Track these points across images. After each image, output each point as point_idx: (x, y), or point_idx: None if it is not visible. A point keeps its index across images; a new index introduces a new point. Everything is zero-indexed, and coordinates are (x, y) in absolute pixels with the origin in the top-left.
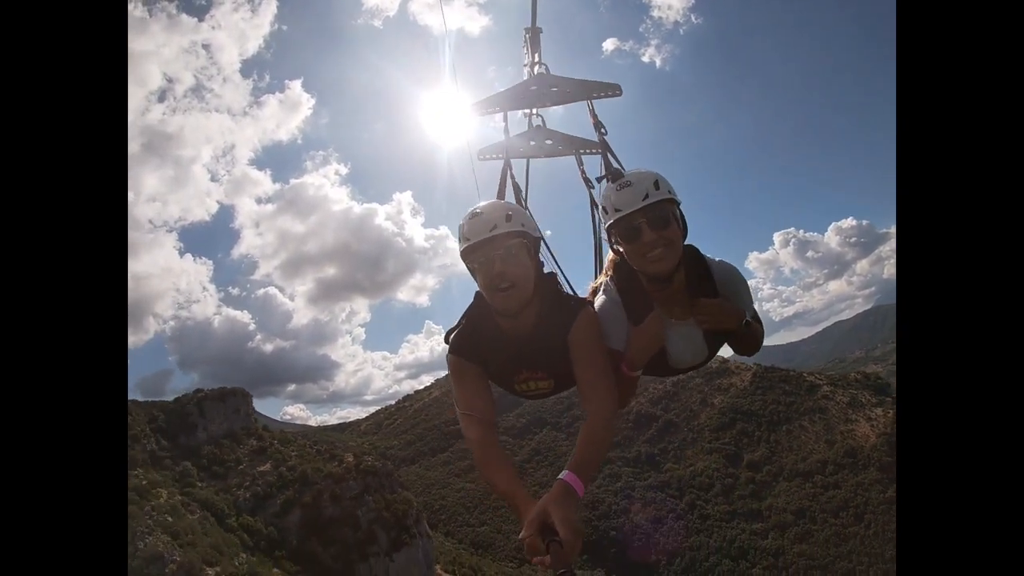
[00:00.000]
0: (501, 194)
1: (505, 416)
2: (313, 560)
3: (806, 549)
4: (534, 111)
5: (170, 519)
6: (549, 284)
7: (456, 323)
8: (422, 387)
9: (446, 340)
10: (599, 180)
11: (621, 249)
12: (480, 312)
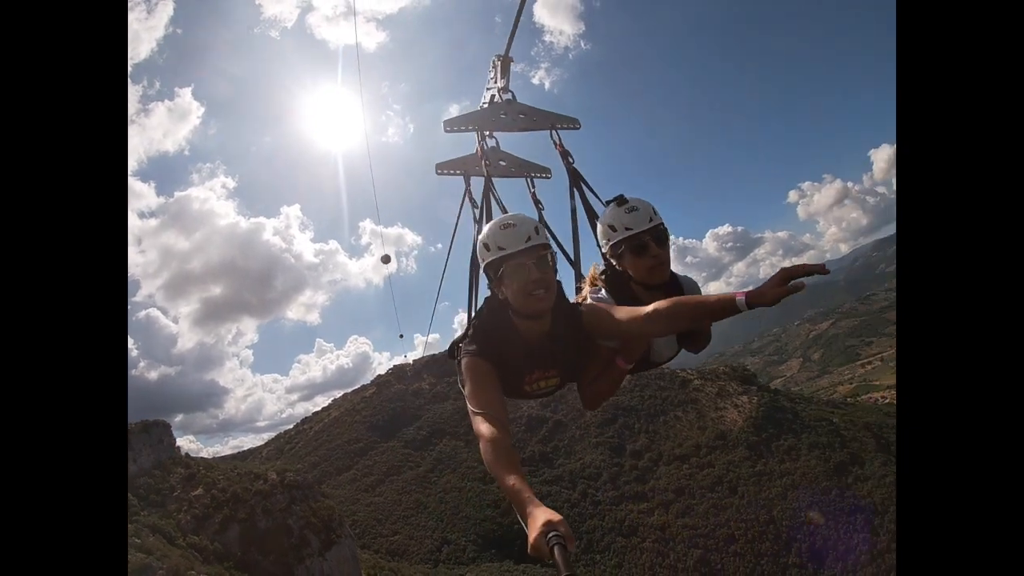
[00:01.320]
0: (488, 210)
1: (405, 429)
2: (257, 568)
3: (688, 521)
4: (488, 133)
5: (137, 540)
6: (559, 289)
7: (465, 331)
8: (319, 408)
9: (451, 354)
10: (607, 204)
11: (620, 262)
12: (495, 317)
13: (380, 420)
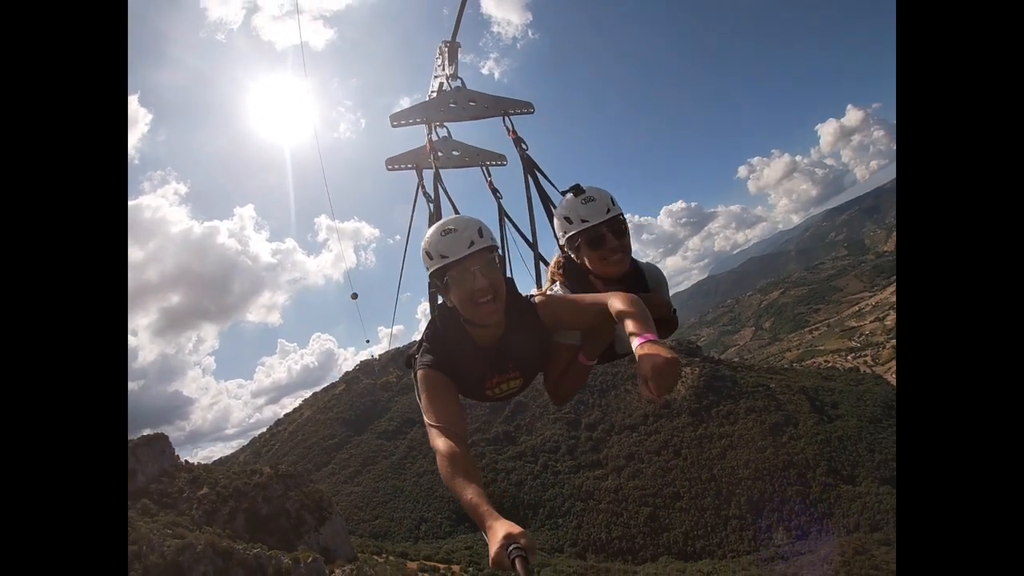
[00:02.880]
0: (438, 206)
1: (377, 421)
2: (248, 563)
3: (638, 483)
4: (438, 124)
5: (168, 531)
6: (511, 288)
7: (419, 343)
8: (288, 410)
9: (408, 364)
10: (563, 193)
11: (577, 254)
12: (447, 327)
13: (352, 415)
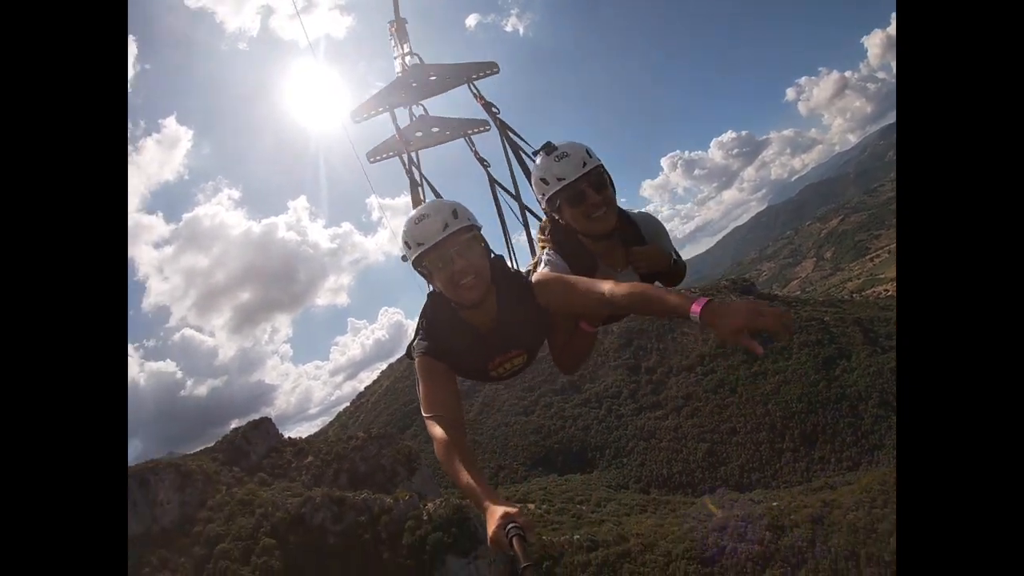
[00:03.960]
0: (414, 190)
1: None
2: (358, 505)
3: (696, 421)
4: (408, 107)
5: (288, 492)
6: (500, 266)
7: (415, 331)
8: (370, 382)
9: (408, 354)
10: (535, 154)
11: (560, 215)
12: (439, 312)
13: None
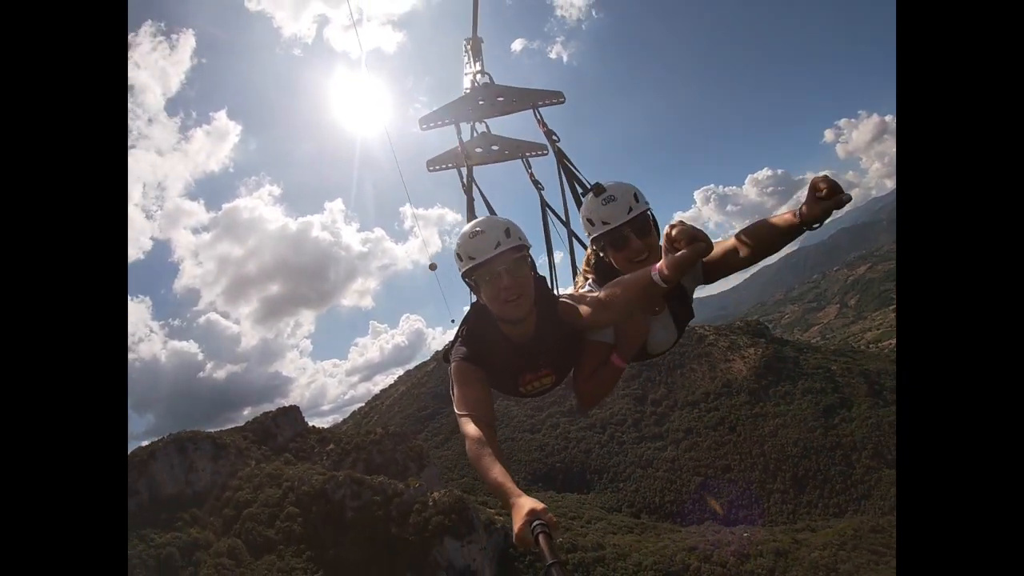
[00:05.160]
0: (470, 204)
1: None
2: (375, 488)
3: (694, 455)
4: (471, 123)
5: (310, 475)
6: (542, 287)
7: (455, 338)
8: (380, 387)
9: (445, 358)
10: (583, 194)
11: (604, 255)
12: (481, 323)
13: (443, 389)
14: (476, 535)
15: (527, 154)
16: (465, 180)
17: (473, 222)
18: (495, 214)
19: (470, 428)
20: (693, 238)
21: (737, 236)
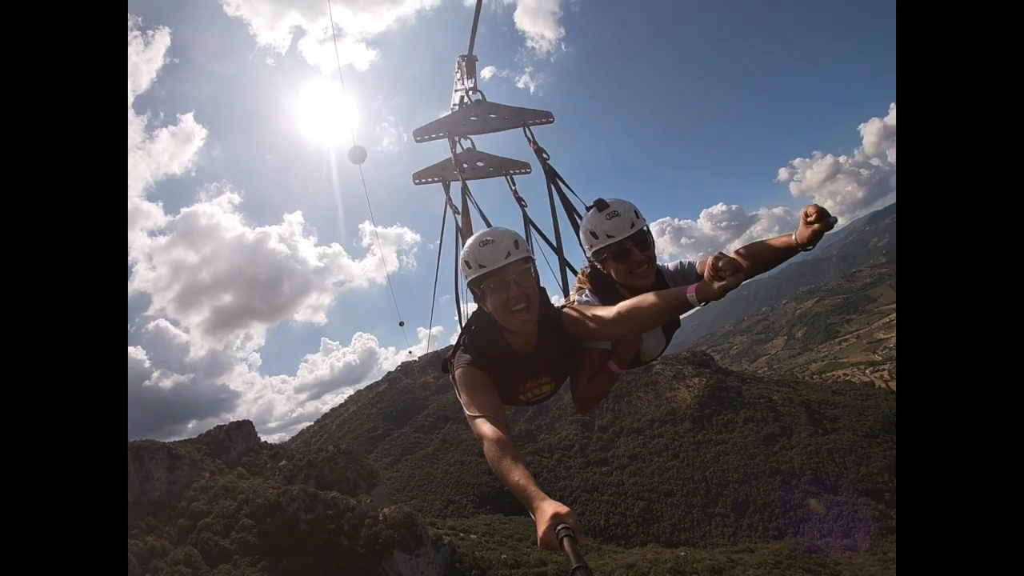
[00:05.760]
0: (465, 216)
1: (415, 417)
2: (327, 502)
3: (638, 480)
4: (459, 137)
5: (267, 485)
6: (543, 298)
7: (457, 345)
8: (328, 406)
9: (444, 368)
10: (588, 209)
11: (604, 267)
12: (484, 331)
13: (393, 411)
14: (424, 549)
15: (511, 172)
16: (448, 192)
17: (482, 232)
18: (490, 226)
19: (487, 428)
20: (736, 269)
21: (736, 252)
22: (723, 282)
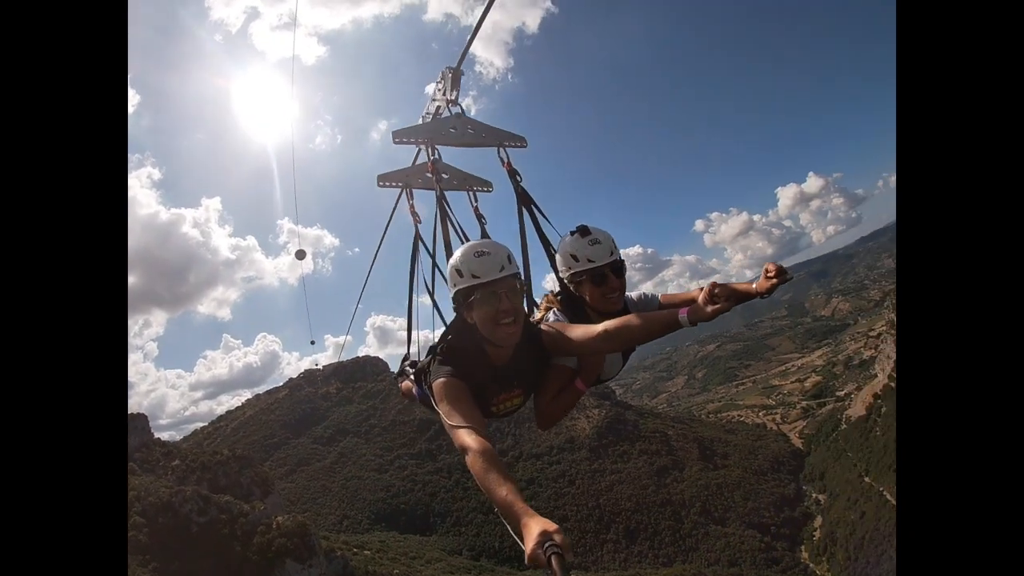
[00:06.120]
0: (444, 223)
1: (314, 427)
2: (221, 506)
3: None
4: (434, 147)
5: (159, 485)
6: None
7: (431, 357)
8: (230, 407)
9: (419, 380)
10: (572, 234)
11: (578, 289)
12: (464, 341)
13: (292, 419)
14: (317, 560)
15: (474, 188)
16: (411, 199)
17: (476, 242)
18: (467, 239)
19: (471, 440)
20: (729, 297)
21: (700, 290)
22: (717, 306)
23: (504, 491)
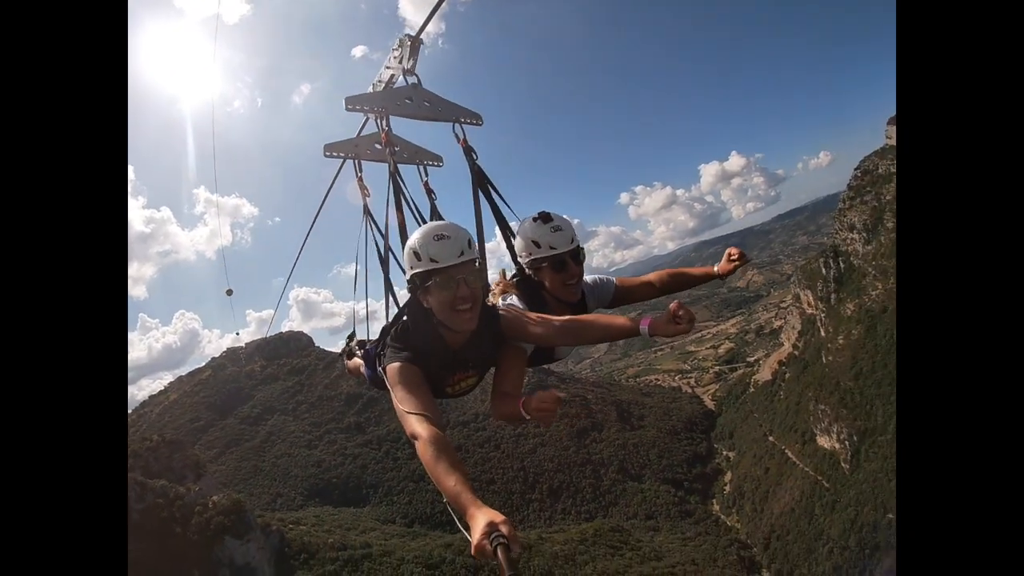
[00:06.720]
0: (398, 198)
1: (240, 407)
2: (157, 491)
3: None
4: (385, 118)
5: None
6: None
7: (382, 340)
8: (153, 392)
9: (373, 362)
10: (534, 220)
11: (537, 275)
12: (419, 324)
13: (217, 400)
14: (254, 535)
15: (425, 162)
16: (360, 171)
17: (435, 225)
18: (421, 217)
19: (422, 428)
20: (691, 320)
21: (657, 274)
22: (680, 327)
23: (452, 481)
